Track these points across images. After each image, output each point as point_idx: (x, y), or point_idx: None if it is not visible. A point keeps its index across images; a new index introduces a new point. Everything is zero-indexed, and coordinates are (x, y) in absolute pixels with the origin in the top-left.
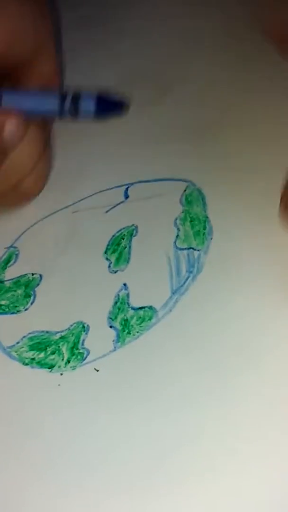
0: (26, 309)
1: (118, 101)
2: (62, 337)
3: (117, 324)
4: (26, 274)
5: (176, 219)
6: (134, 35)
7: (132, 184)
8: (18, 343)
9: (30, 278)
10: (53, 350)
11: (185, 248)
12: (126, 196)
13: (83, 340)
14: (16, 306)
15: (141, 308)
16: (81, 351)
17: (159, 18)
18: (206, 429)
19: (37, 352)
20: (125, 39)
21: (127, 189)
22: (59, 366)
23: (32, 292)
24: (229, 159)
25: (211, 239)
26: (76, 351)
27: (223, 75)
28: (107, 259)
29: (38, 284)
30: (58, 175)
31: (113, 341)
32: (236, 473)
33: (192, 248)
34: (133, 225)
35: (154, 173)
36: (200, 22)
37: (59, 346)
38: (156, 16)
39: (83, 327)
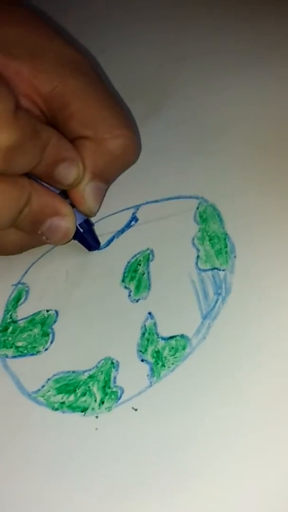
0: (46, 349)
1: (91, 241)
2: (91, 376)
3: (148, 357)
4: (40, 311)
5: (193, 239)
6: (121, 47)
7: (140, 206)
8: (43, 387)
9: (46, 315)
10: (84, 391)
11: (209, 269)
12: (136, 219)
13: (115, 378)
14: (34, 347)
15: (172, 337)
16: (114, 389)
17: (148, 29)
18: (260, 459)
19: (66, 395)
20: (112, 52)
21: (135, 211)
22: (93, 409)
23: (50, 330)
24: (239, 169)
25: (235, 257)
26: (109, 390)
27: (221, 79)
28: (125, 287)
29: (55, 321)
30: None
31: (148, 376)
32: None
33: (216, 269)
34: (148, 249)
35: (162, 193)
36: (192, 28)
37: (89, 386)
38: (145, 27)
39: (112, 363)
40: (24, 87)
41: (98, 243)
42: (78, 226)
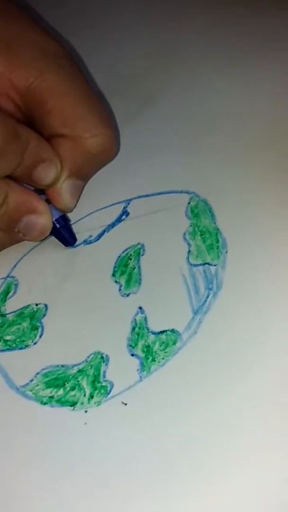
0: (35, 343)
1: (68, 237)
2: (80, 370)
3: (138, 352)
4: (29, 305)
5: (184, 233)
6: (114, 41)
7: (131, 200)
8: (32, 381)
9: (35, 309)
10: (73, 386)
11: (200, 264)
12: (127, 213)
13: (104, 372)
14: (23, 341)
15: (162, 332)
16: (103, 384)
17: (140, 23)
18: (249, 454)
19: (55, 389)
20: (104, 46)
21: (126, 205)
22: (82, 403)
23: (39, 324)
24: (231, 164)
25: (226, 252)
26: (98, 385)
27: (214, 74)
28: (116, 282)
29: (44, 315)
30: None
31: (138, 370)
32: None
33: (208, 264)
34: (139, 243)
35: (153, 187)
36: (184, 23)
37: (78, 381)
38: (137, 21)
39: (102, 357)
40: None
41: (74, 238)
42: (54, 221)
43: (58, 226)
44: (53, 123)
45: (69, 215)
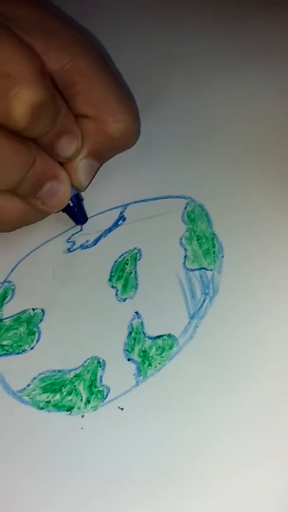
0: (32, 348)
1: (80, 215)
2: (77, 375)
3: (135, 357)
4: (26, 310)
5: (181, 238)
6: (113, 45)
7: (127, 205)
8: (29, 385)
9: (32, 314)
10: (69, 390)
11: (196, 269)
12: (123, 218)
13: (101, 377)
14: (20, 346)
15: (159, 336)
16: (100, 389)
17: (140, 27)
18: (246, 460)
19: (52, 394)
20: (104, 50)
21: (123, 210)
22: (79, 408)
23: (36, 329)
24: (228, 169)
25: (223, 257)
26: (95, 389)
27: (213, 79)
28: (112, 287)
29: (41, 320)
30: None
31: (134, 375)
32: None
33: (204, 268)
34: (135, 248)
35: (150, 192)
36: (184, 28)
37: (75, 386)
38: (137, 25)
39: (99, 362)
40: None
41: (85, 217)
42: None
43: (71, 204)
44: (79, 103)
45: (66, 221)
